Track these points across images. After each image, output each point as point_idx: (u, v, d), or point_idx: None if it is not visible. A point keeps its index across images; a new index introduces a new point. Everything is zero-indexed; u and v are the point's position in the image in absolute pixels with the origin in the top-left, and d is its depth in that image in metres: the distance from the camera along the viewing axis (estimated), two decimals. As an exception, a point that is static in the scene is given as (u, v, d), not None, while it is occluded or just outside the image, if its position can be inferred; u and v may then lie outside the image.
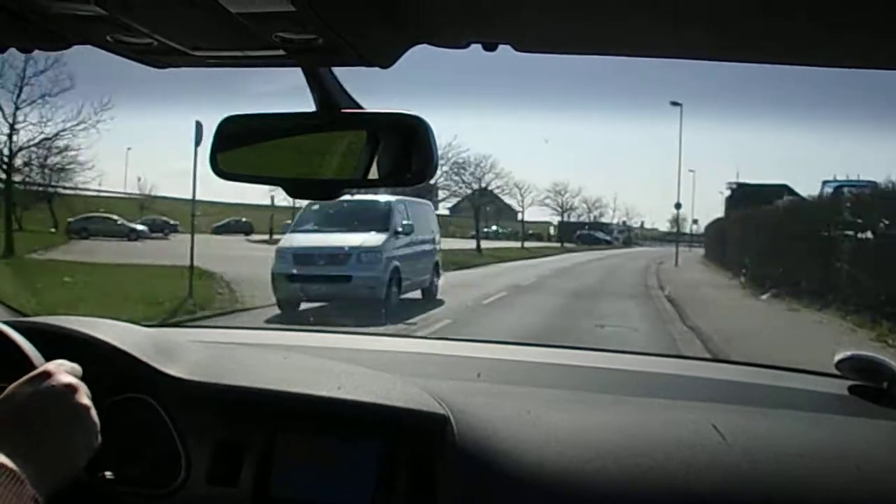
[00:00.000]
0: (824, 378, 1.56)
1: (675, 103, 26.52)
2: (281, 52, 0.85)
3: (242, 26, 0.77)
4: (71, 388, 0.94)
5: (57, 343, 1.24)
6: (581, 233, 47.03)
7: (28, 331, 1.21)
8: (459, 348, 1.95)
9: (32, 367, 1.12)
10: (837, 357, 1.48)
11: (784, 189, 26.76)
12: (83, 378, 0.99)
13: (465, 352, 1.87)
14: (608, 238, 50.83)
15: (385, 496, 1.21)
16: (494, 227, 46.55)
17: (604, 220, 53.07)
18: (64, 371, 0.96)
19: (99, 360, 1.29)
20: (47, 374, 0.95)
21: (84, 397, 0.95)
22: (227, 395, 1.31)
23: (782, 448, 1.22)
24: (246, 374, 1.37)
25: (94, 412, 0.95)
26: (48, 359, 1.15)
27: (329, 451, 1.25)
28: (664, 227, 61.24)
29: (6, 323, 1.23)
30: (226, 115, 1.15)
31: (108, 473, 0.95)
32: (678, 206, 29.46)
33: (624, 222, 57.59)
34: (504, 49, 0.88)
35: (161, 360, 1.32)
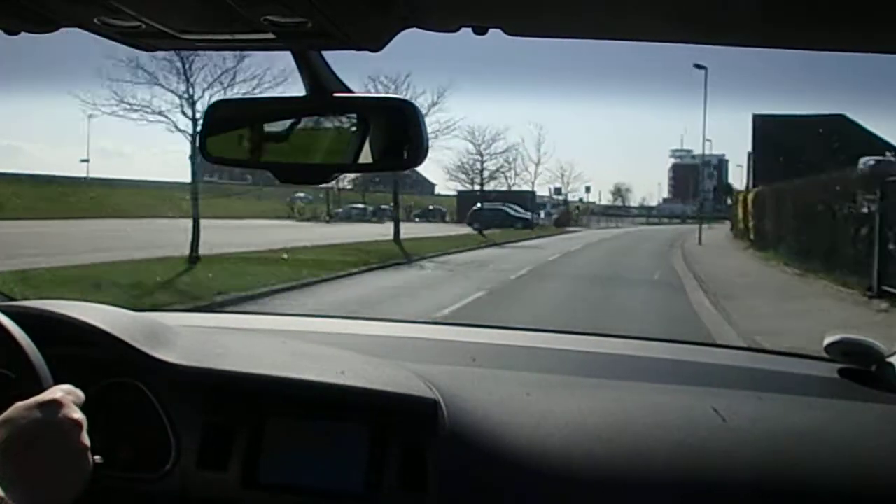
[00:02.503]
0: (816, 361, 1.58)
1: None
2: (270, 36, 0.85)
3: (231, 9, 0.76)
4: (77, 426, 0.91)
5: (47, 328, 1.24)
6: (477, 209, 26.83)
7: (18, 315, 1.20)
8: (454, 333, 1.94)
9: (23, 353, 1.12)
10: (827, 340, 1.49)
11: (843, 119, 19.83)
12: (73, 364, 0.98)
13: (460, 336, 1.86)
14: (526, 216, 30.33)
15: (375, 481, 1.22)
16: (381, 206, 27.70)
17: (522, 186, 30.13)
18: (72, 402, 0.93)
19: (89, 344, 1.29)
20: (57, 405, 0.91)
21: (86, 437, 0.92)
22: (216, 379, 1.31)
23: (776, 431, 1.23)
24: (236, 358, 1.37)
25: (90, 454, 0.92)
26: (38, 343, 1.15)
27: (319, 436, 1.26)
28: (606, 199, 47.85)
29: None
30: None
31: (97, 458, 0.94)
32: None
33: (558, 189, 35.36)
34: (494, 33, 0.88)
35: (151, 344, 1.32)
